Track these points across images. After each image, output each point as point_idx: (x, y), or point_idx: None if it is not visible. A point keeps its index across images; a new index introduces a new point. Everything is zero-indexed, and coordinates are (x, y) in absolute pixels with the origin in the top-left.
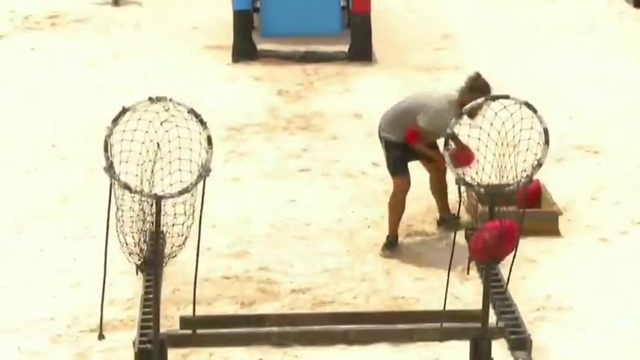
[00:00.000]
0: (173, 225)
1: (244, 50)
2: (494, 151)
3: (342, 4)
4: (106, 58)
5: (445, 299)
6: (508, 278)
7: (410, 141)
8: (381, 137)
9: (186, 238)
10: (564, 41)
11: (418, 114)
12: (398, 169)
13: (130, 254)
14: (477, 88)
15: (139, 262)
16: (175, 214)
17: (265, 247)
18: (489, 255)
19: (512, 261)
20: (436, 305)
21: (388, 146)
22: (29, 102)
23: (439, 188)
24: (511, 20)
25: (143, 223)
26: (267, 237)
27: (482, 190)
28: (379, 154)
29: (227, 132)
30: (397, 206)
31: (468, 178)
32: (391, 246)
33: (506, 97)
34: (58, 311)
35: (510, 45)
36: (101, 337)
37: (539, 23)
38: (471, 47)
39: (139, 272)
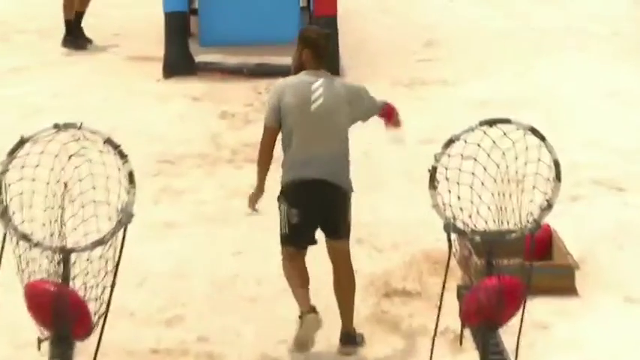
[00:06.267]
0: (85, 287)
1: (179, 62)
2: (493, 189)
3: (300, 4)
4: (5, 71)
5: None
6: (516, 349)
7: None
8: None
9: (108, 303)
10: (577, 49)
11: None
12: (285, 237)
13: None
14: (301, 40)
15: (48, 335)
16: (87, 272)
17: (205, 311)
18: (486, 320)
19: (520, 327)
20: None
21: (280, 192)
22: None
23: (339, 285)
24: (510, 24)
25: None
26: (207, 298)
27: (477, 237)
28: None
29: (157, 166)
30: (290, 275)
31: (459, 223)
32: (307, 327)
33: (507, 121)
34: None
35: (509, 54)
36: None
37: (544, 27)
38: (461, 57)
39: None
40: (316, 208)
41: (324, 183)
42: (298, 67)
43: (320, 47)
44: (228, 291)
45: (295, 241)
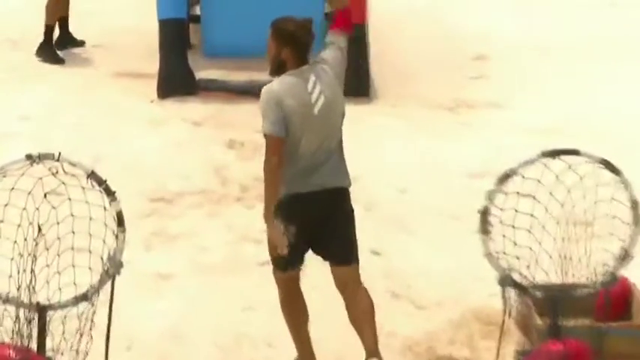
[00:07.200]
0: (60, 352)
1: (176, 79)
2: (557, 234)
3: (325, 10)
4: None
5: None
6: None
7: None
8: None
9: None
10: None
11: None
12: (282, 260)
13: None
14: (277, 35)
15: None
16: (64, 333)
17: None
18: None
19: None
20: None
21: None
22: None
23: (359, 309)
24: (578, 35)
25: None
26: None
27: (538, 293)
28: (381, 238)
29: (151, 205)
30: (291, 311)
31: (516, 275)
32: None
33: (574, 152)
34: None
35: (577, 71)
36: None
37: (622, 39)
38: (518, 74)
39: None
40: (324, 223)
41: (336, 191)
42: (279, 68)
43: (301, 42)
44: (235, 355)
45: (294, 262)
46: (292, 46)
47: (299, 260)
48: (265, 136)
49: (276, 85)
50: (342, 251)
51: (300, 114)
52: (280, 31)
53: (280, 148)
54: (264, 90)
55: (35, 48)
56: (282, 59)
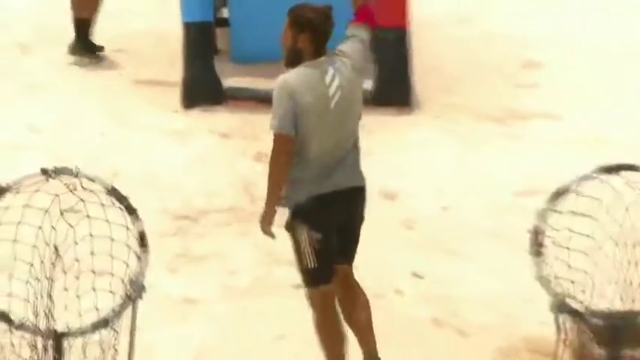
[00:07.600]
0: None
1: (202, 88)
2: (616, 256)
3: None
4: None
5: None
6: None
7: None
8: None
9: None
10: None
11: None
12: (314, 273)
13: None
14: (294, 21)
15: None
16: None
17: None
18: None
19: None
20: None
21: (292, 215)
22: None
23: (356, 308)
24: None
25: None
26: None
27: (596, 320)
28: (423, 260)
29: (175, 223)
30: (327, 329)
31: (572, 301)
32: None
33: (634, 168)
34: None
35: (638, 79)
36: None
37: None
38: (572, 82)
39: None
40: (344, 224)
41: (355, 190)
42: (295, 57)
43: (319, 30)
44: None
45: (327, 273)
46: (310, 33)
47: (330, 272)
48: (273, 133)
49: (291, 77)
50: (351, 252)
51: (315, 108)
52: (297, 17)
53: (288, 147)
54: (277, 81)
55: (69, 46)
56: (299, 48)
